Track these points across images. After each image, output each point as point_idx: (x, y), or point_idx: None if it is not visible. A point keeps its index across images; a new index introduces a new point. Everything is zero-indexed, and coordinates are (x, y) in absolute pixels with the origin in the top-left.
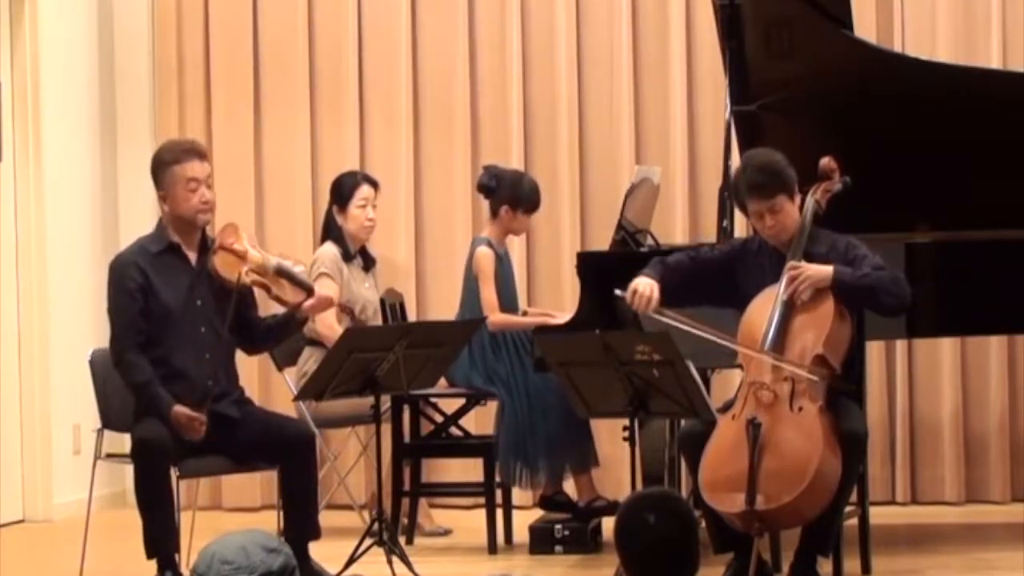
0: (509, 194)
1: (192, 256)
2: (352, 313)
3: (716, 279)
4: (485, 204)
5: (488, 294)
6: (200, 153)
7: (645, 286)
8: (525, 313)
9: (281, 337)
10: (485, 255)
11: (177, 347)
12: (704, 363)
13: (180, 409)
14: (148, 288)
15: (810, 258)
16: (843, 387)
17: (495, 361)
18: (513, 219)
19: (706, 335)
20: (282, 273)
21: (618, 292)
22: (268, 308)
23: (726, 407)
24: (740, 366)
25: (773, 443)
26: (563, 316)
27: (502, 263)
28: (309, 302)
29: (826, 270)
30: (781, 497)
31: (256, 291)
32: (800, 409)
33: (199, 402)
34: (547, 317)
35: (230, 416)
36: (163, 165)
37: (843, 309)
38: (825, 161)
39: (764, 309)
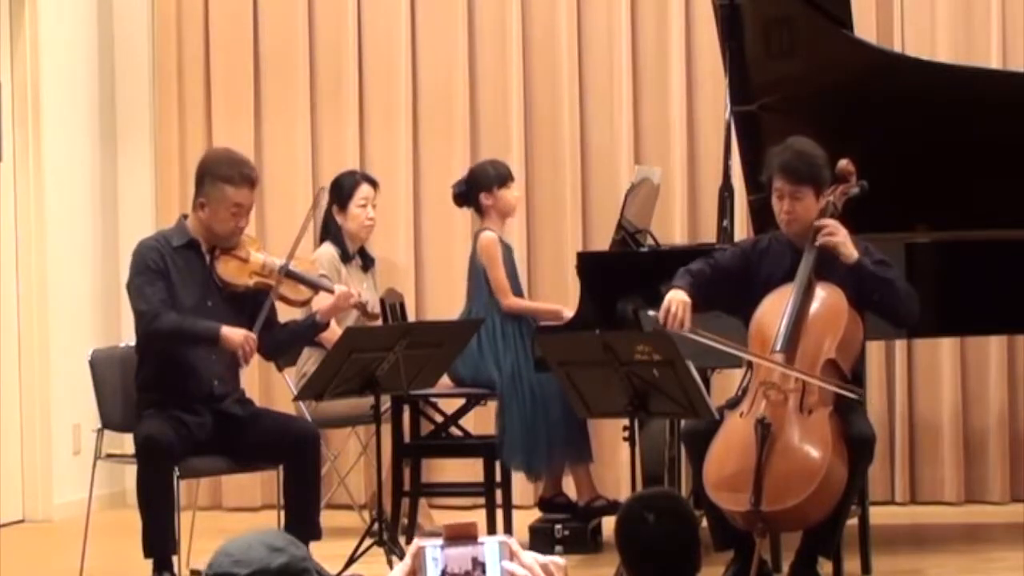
0: (478, 182)
1: (209, 257)
2: (365, 310)
3: (732, 284)
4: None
5: (499, 277)
6: (254, 183)
7: (677, 305)
8: None
9: (300, 342)
10: (490, 239)
11: None
12: (704, 363)
13: (231, 330)
14: (166, 276)
15: (831, 260)
16: (851, 397)
17: (503, 351)
18: (497, 200)
19: (744, 355)
20: (288, 274)
21: (651, 312)
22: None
23: (731, 404)
24: (741, 365)
25: (782, 445)
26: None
27: (506, 251)
28: (328, 303)
29: (853, 249)
30: (787, 500)
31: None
32: (810, 412)
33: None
34: (559, 308)
35: (235, 415)
36: (215, 178)
37: (856, 314)
38: (843, 164)
39: (776, 309)
